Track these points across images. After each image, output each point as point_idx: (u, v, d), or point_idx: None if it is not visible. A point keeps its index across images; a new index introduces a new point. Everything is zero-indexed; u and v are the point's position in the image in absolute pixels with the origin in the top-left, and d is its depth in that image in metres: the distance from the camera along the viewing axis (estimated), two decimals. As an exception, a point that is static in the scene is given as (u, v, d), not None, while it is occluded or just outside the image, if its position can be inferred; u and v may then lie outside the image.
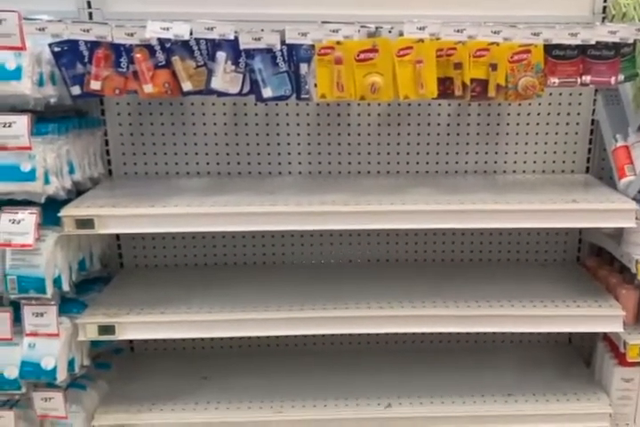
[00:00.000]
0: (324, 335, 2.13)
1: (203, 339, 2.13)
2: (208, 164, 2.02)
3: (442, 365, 2.06)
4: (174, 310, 1.77)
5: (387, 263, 2.15)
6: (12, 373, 1.67)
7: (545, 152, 2.09)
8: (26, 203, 1.61)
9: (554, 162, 2.10)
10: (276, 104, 1.98)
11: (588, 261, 2.12)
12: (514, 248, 2.15)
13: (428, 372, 2.02)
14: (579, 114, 2.05)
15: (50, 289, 1.63)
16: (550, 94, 2.02)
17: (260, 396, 1.91)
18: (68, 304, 1.73)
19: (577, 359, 2.13)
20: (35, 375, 1.67)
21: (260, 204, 1.70)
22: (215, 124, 2.00)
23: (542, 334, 2.18)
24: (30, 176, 1.55)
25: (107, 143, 1.98)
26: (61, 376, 1.69)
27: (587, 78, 1.72)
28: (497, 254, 2.16)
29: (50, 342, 1.67)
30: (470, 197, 1.80)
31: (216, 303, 1.81)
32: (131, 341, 2.12)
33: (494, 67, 1.68)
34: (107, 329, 1.70)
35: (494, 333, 2.18)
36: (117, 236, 2.05)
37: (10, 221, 1.57)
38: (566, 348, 2.20)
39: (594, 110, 2.04)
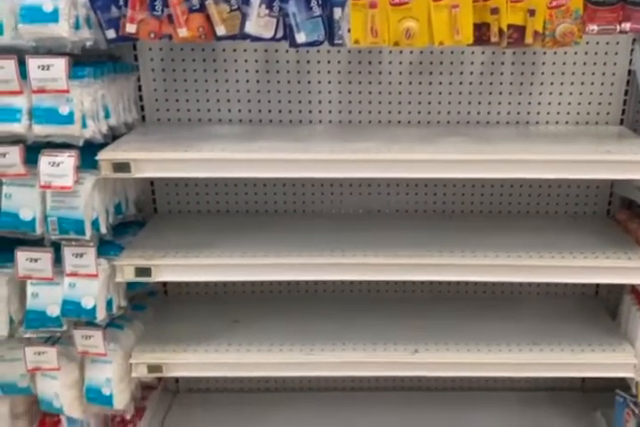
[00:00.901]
0: (352, 282, 2.16)
1: (234, 283, 2.19)
2: (240, 111, 2.03)
3: (468, 314, 2.09)
4: (208, 254, 1.81)
5: (415, 214, 2.16)
6: (54, 311, 1.74)
7: (579, 103, 2.06)
8: (64, 147, 1.64)
9: (588, 113, 2.07)
10: (307, 51, 1.97)
11: (618, 214, 2.11)
12: (543, 200, 2.15)
13: (455, 320, 2.05)
14: (615, 64, 2.01)
15: (88, 231, 1.67)
16: (587, 43, 1.97)
17: (290, 339, 1.96)
18: (106, 247, 1.78)
19: (603, 312, 2.15)
20: (75, 314, 1.74)
21: (293, 151, 1.71)
22: (247, 71, 2.00)
23: (568, 285, 2.20)
24: (68, 119, 1.57)
25: (140, 89, 1.99)
26: (100, 315, 1.76)
27: (626, 26, 1.68)
28: (526, 206, 2.16)
29: (89, 282, 1.73)
30: (502, 147, 1.80)
31: (248, 248, 1.85)
32: (164, 284, 2.18)
33: (532, 12, 1.64)
34: (143, 271, 1.75)
35: (520, 284, 2.21)
36: (152, 181, 2.09)
37: (49, 163, 1.60)
38: (592, 300, 2.22)
39: (630, 60, 2.00)
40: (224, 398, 2.29)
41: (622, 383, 1.99)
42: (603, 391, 2.17)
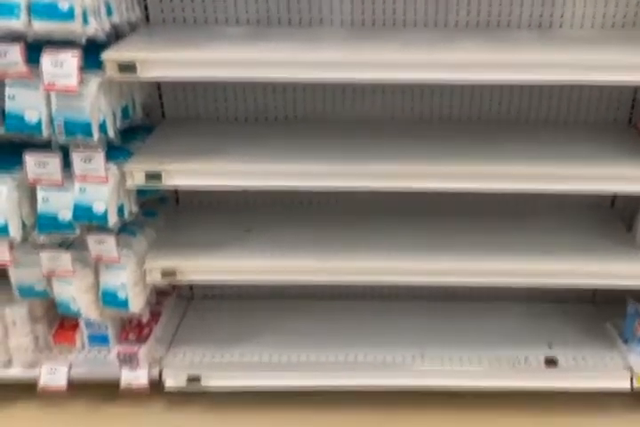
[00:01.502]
0: (367, 192, 2.14)
1: (246, 193, 2.17)
2: (247, 11, 1.94)
3: (481, 224, 2.07)
4: (218, 160, 1.79)
5: (429, 120, 2.10)
6: (66, 215, 1.75)
7: (605, 4, 1.94)
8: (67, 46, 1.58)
9: (614, 16, 1.95)
10: (319, -54, 1.86)
11: (640, 122, 2.05)
12: (562, 107, 2.08)
13: (468, 229, 2.04)
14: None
15: (96, 133, 1.65)
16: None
17: (303, 247, 1.96)
18: (115, 151, 1.76)
19: (618, 223, 2.12)
20: (87, 218, 1.75)
21: (305, 52, 1.64)
22: (255, -32, 1.90)
23: (584, 196, 2.16)
24: (69, 15, 1.51)
25: (143, -13, 1.91)
26: (112, 220, 1.76)
27: None
28: (544, 113, 2.09)
29: (99, 187, 1.72)
30: (522, 49, 1.71)
31: (258, 155, 1.82)
32: (176, 192, 2.18)
33: None
34: (154, 176, 1.74)
35: (534, 194, 2.17)
36: (159, 85, 2.03)
37: (52, 63, 1.55)
38: (608, 211, 2.19)
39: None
40: (238, 305, 2.33)
41: (634, 294, 2.00)
42: (614, 303, 2.18)
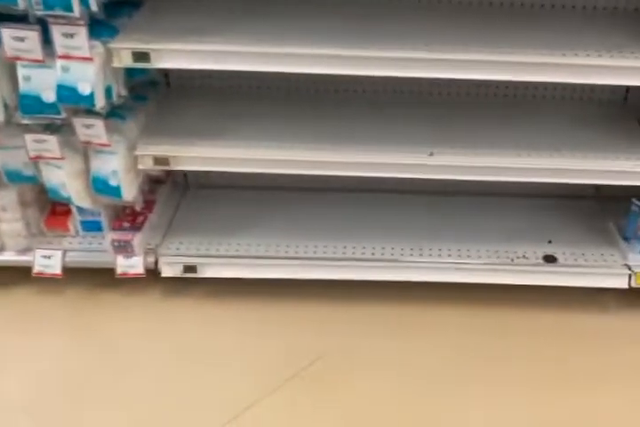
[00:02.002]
0: (361, 83, 2.02)
1: (239, 76, 2.04)
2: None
3: (487, 118, 1.98)
4: (211, 40, 1.65)
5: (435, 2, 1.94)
6: (50, 96, 1.64)
7: None
8: None
9: None
10: None
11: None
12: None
13: (473, 124, 1.94)
14: None
15: (76, 6, 1.50)
16: None
17: (299, 137, 1.87)
18: (99, 28, 1.62)
19: (631, 119, 2.02)
20: (73, 100, 1.64)
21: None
22: None
23: (595, 90, 2.05)
24: None
25: None
26: (99, 102, 1.65)
27: None
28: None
29: (84, 66, 1.60)
30: None
31: (255, 35, 1.68)
32: (166, 75, 2.05)
33: None
34: (141, 56, 1.61)
35: (545, 87, 2.05)
36: (147, -47, 1.84)
37: None
38: (621, 107, 2.08)
39: None
40: (234, 195, 2.28)
41: (638, 193, 1.94)
42: (616, 200, 2.12)
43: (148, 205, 2.12)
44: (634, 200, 1.99)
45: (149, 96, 1.98)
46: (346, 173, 1.84)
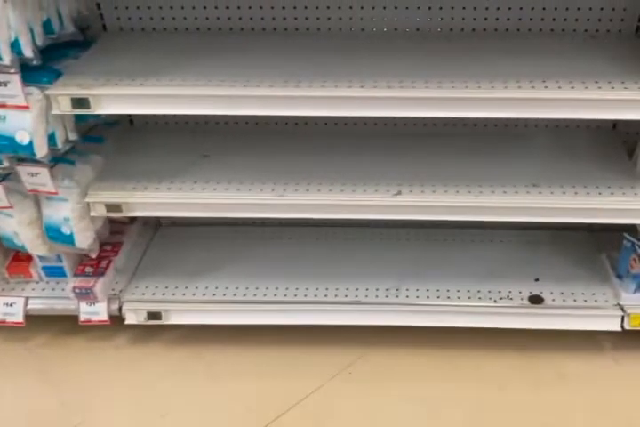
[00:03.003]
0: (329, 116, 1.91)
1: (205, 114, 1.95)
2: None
3: (461, 150, 1.85)
4: (156, 82, 1.56)
5: (408, 33, 1.83)
6: (-12, 146, 1.57)
7: None
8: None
9: None
10: None
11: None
12: (560, 14, 1.77)
13: (445, 158, 1.82)
14: None
15: (6, 55, 1.42)
16: None
17: (262, 177, 1.77)
18: (37, 73, 1.54)
19: (619, 149, 1.88)
20: (11, 150, 1.56)
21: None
22: None
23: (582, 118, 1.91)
24: None
25: None
26: (41, 151, 1.57)
27: None
28: (538, 23, 1.79)
29: (21, 114, 1.52)
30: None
31: (208, 75, 1.58)
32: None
33: None
34: (80, 102, 1.52)
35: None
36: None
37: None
38: (609, 135, 1.94)
39: None
40: (207, 232, 2.19)
41: (631, 226, 1.80)
42: (609, 232, 2.00)
43: (115, 246, 2.04)
44: (626, 235, 1.86)
45: (107, 137, 1.89)
46: (308, 216, 1.73)
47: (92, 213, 1.74)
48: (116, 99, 1.52)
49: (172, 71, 1.61)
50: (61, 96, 1.51)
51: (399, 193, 1.71)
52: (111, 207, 1.72)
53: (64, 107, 1.52)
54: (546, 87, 1.51)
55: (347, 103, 1.51)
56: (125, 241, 2.07)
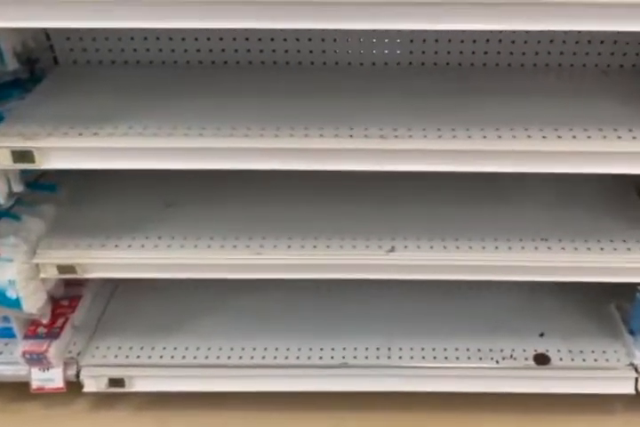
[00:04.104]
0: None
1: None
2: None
3: (461, 199, 1.66)
4: (113, 130, 1.35)
5: (399, 67, 1.64)
6: None
7: None
8: None
9: None
10: None
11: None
12: (568, 49, 1.60)
13: (443, 208, 1.63)
14: None
15: None
16: None
17: (235, 231, 1.57)
18: (-29, 119, 1.32)
19: (633, 195, 1.71)
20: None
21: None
22: None
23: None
24: None
25: None
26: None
27: None
28: (545, 57, 1.62)
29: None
30: None
31: (174, 119, 1.38)
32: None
33: None
34: (23, 156, 1.31)
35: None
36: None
37: None
38: (622, 179, 1.75)
39: None
40: (177, 282, 1.91)
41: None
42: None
43: (73, 301, 1.82)
44: (639, 288, 1.68)
45: (62, 183, 1.67)
46: (290, 277, 1.53)
47: (42, 275, 1.52)
48: (66, 152, 1.31)
49: (133, 115, 1.40)
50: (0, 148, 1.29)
51: (392, 249, 1.51)
52: (64, 268, 1.51)
53: (4, 161, 1.30)
54: (559, 137, 1.32)
55: (333, 157, 1.31)
56: (85, 294, 1.85)
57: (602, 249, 1.51)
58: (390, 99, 1.50)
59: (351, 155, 1.31)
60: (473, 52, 1.62)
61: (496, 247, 1.52)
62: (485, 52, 1.63)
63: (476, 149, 1.30)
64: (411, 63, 1.64)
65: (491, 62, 1.64)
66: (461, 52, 1.62)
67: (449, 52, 1.62)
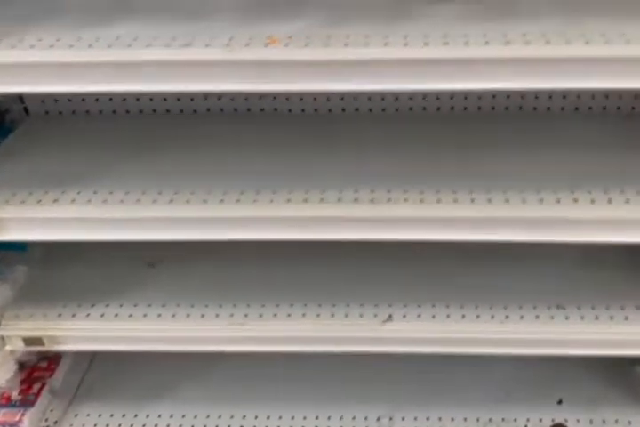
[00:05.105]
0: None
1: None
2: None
3: (466, 261, 1.49)
4: (76, 196, 1.22)
5: (397, 114, 1.49)
6: None
7: None
8: None
9: None
10: None
11: None
12: (585, 91, 1.45)
13: (446, 271, 1.47)
14: None
15: None
16: None
17: (218, 296, 1.43)
18: None
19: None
20: None
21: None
22: None
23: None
24: None
25: None
26: None
27: None
28: (559, 101, 1.46)
29: None
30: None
31: (144, 182, 1.25)
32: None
33: None
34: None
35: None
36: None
37: None
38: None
39: None
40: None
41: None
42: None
43: (51, 362, 1.69)
44: (667, 353, 1.51)
45: (33, 243, 1.55)
46: (276, 349, 1.39)
47: (8, 348, 1.40)
48: (23, 223, 1.18)
49: (101, 176, 1.27)
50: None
51: (390, 318, 1.36)
52: (30, 341, 1.38)
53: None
54: (575, 201, 1.16)
55: (319, 225, 1.17)
56: (65, 355, 1.72)
57: (626, 318, 1.35)
58: (385, 151, 1.35)
59: (337, 222, 1.16)
60: (479, 97, 1.46)
61: (506, 316, 1.36)
62: (494, 96, 1.48)
63: (480, 216, 1.15)
64: (411, 109, 1.50)
65: (499, 106, 1.49)
66: (466, 97, 1.47)
67: (452, 97, 1.47)
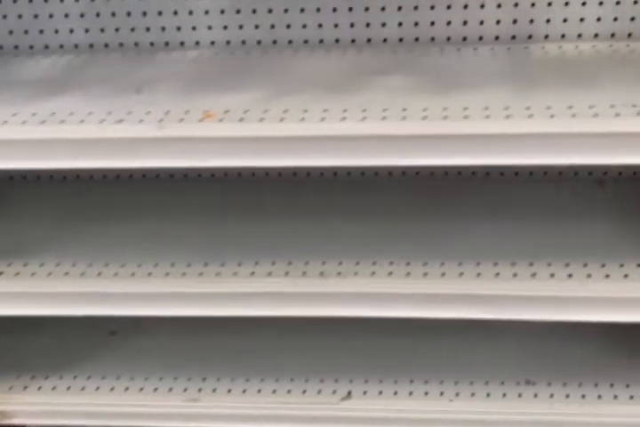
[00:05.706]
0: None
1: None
2: (72, 32, 1.30)
3: (431, 333, 1.43)
4: (20, 269, 1.20)
5: (373, 179, 1.46)
6: None
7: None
8: None
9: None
10: None
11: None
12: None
13: (409, 343, 1.40)
14: None
15: None
16: None
17: (175, 368, 1.38)
18: None
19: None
20: None
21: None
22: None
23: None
24: None
25: None
26: None
27: None
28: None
29: None
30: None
31: (102, 251, 1.22)
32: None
33: None
34: None
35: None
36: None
37: None
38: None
39: None
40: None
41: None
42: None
43: None
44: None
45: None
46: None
47: (-40, 420, 1.36)
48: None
49: (57, 244, 1.25)
50: None
51: (349, 395, 1.30)
52: (-14, 414, 1.34)
53: None
54: (552, 276, 1.10)
55: (295, 301, 1.12)
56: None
57: (599, 397, 1.26)
58: (350, 219, 1.31)
59: (282, 298, 1.11)
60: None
61: (472, 394, 1.29)
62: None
63: (449, 292, 1.09)
64: (390, 174, 1.45)
65: (481, 171, 1.44)
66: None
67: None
